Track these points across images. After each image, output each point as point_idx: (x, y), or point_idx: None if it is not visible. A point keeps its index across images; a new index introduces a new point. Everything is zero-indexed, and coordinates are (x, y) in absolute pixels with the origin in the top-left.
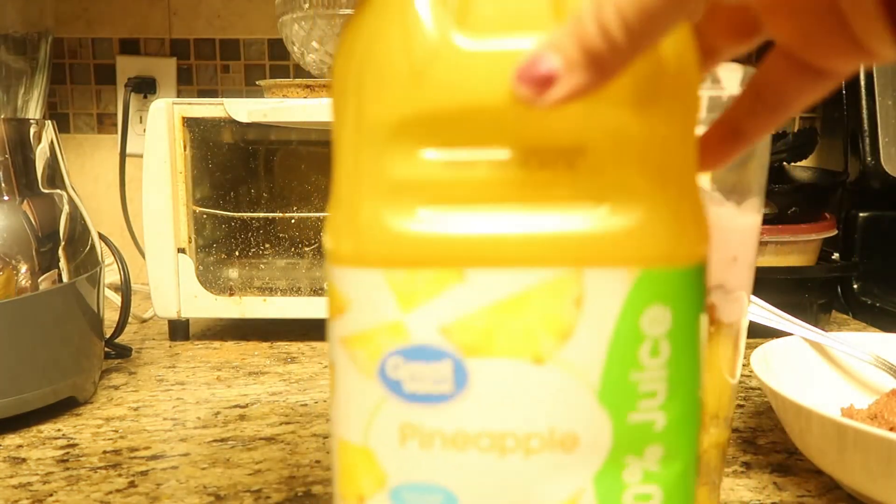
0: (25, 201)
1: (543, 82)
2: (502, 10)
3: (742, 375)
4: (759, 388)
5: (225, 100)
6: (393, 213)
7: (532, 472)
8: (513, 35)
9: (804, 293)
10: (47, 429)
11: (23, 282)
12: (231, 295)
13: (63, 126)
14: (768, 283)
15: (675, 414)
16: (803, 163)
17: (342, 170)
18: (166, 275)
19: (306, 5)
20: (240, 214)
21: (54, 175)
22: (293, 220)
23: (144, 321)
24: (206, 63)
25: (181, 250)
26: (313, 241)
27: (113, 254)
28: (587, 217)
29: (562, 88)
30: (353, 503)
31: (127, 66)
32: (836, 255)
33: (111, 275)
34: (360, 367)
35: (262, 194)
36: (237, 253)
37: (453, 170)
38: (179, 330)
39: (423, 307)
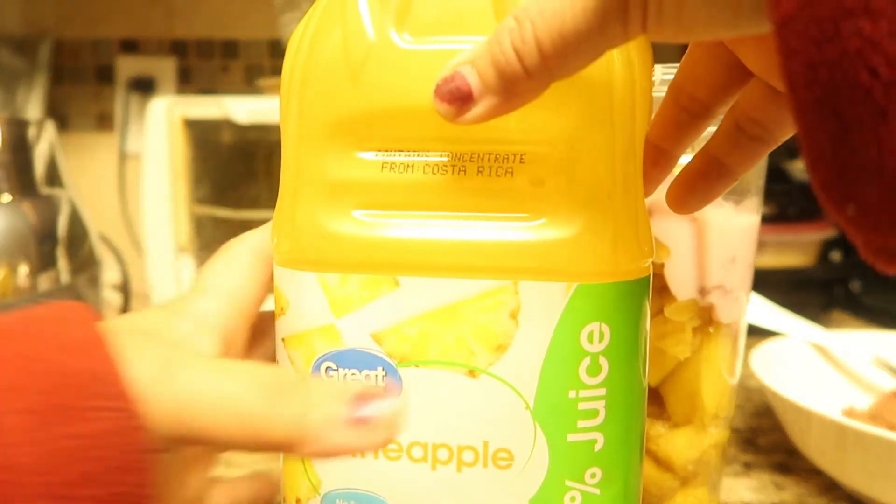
0: (25, 201)
1: (461, 100)
2: (444, 11)
3: (742, 375)
4: (759, 388)
5: (225, 100)
6: (328, 215)
7: (466, 486)
8: (453, 36)
9: (804, 293)
10: None
11: (22, 282)
12: None
13: (63, 126)
14: (768, 283)
15: (614, 434)
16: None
17: (285, 170)
18: (166, 275)
19: (306, 5)
20: (240, 214)
21: (54, 175)
22: None
23: None
24: (206, 63)
25: (181, 250)
26: None
27: (113, 254)
28: (524, 228)
29: (479, 109)
30: None
31: (127, 66)
32: (836, 255)
33: (111, 275)
34: (297, 368)
35: (261, 194)
36: None
37: (390, 173)
38: None
39: (356, 313)
